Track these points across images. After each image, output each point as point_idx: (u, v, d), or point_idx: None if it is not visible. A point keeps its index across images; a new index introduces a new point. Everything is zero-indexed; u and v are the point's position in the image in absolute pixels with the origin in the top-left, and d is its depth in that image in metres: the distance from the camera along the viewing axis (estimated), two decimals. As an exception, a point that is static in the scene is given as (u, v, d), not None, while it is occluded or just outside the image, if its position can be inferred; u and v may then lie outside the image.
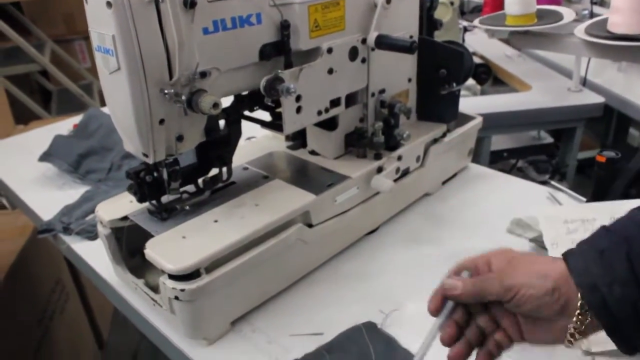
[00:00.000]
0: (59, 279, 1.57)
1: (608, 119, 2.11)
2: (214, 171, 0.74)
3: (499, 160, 1.83)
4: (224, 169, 0.74)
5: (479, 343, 0.57)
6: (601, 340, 0.63)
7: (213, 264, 0.63)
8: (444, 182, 1.01)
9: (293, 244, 0.71)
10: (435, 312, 0.57)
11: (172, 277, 0.62)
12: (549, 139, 1.90)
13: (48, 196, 1.03)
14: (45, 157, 1.10)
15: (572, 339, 0.51)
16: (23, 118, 2.14)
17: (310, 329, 0.69)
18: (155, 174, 0.68)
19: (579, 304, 0.49)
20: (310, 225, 0.73)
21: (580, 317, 0.49)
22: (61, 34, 3.01)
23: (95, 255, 0.84)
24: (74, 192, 1.02)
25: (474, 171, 1.06)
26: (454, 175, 1.04)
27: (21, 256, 1.33)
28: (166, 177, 0.68)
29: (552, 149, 1.89)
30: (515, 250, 0.56)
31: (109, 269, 0.78)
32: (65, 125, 1.28)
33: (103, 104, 1.13)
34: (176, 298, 0.62)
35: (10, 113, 2.14)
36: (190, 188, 0.73)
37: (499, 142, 1.81)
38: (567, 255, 0.51)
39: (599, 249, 0.49)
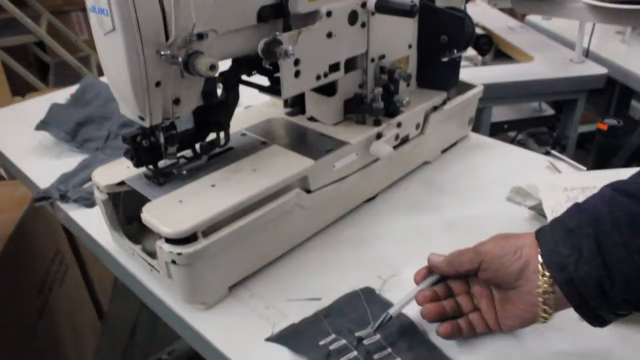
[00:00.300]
0: (58, 250, 1.57)
1: (610, 92, 2.09)
2: (212, 136, 0.73)
3: (500, 132, 1.82)
4: (222, 134, 0.73)
5: (453, 316, 0.61)
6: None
7: (210, 228, 0.63)
8: (443, 151, 1.00)
9: (291, 210, 0.71)
10: (420, 281, 0.64)
11: (169, 241, 0.61)
12: (550, 111, 1.89)
13: (45, 165, 1.02)
14: (42, 125, 1.09)
15: (545, 315, 0.54)
16: (20, 90, 2.12)
17: (308, 294, 0.69)
18: (152, 139, 0.67)
19: (540, 275, 0.52)
20: (308, 191, 0.73)
21: (548, 289, 0.52)
22: (58, 5, 2.97)
23: (93, 223, 0.84)
24: (71, 161, 1.02)
25: (474, 140, 1.06)
26: (454, 144, 1.03)
27: (19, 227, 1.33)
28: (163, 141, 0.67)
29: (553, 121, 1.88)
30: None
31: (106, 235, 0.78)
32: (63, 95, 1.27)
33: (101, 75, 1.11)
34: (173, 262, 0.62)
35: (7, 85, 2.12)
36: (188, 153, 0.72)
37: (500, 113, 1.80)
38: (538, 233, 0.54)
39: (568, 228, 0.51)
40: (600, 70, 1.65)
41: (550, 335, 0.62)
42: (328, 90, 0.80)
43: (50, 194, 0.91)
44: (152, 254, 0.69)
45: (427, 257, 0.64)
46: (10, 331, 1.27)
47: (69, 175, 0.96)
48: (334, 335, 0.62)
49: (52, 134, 1.08)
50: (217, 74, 0.62)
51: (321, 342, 0.61)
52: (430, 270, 0.64)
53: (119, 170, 0.72)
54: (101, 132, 1.07)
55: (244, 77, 0.75)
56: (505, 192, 0.87)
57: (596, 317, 0.51)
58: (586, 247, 0.49)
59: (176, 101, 0.64)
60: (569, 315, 0.53)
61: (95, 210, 0.86)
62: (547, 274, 0.52)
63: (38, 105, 1.21)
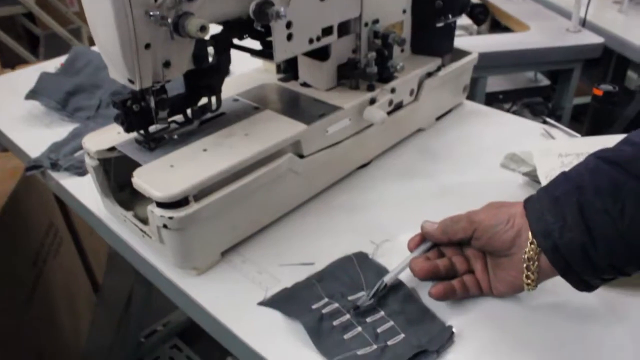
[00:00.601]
0: (51, 223, 1.57)
1: (606, 64, 2.08)
2: (203, 101, 0.72)
3: (495, 102, 1.81)
4: (213, 99, 0.72)
5: (446, 276, 0.62)
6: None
7: (202, 193, 0.62)
8: (438, 118, 0.99)
9: (284, 174, 0.70)
10: (413, 248, 0.65)
11: (160, 205, 0.61)
12: (546, 82, 1.88)
13: (36, 134, 1.01)
14: (31, 95, 1.07)
15: (529, 282, 0.55)
16: (10, 63, 2.09)
17: (301, 259, 0.69)
18: (142, 103, 0.66)
19: (529, 242, 0.53)
20: (301, 156, 0.72)
21: (533, 256, 0.54)
22: (47, -25, 2.92)
23: (84, 191, 0.83)
24: (62, 130, 1.00)
25: (469, 108, 1.05)
26: (449, 112, 1.02)
27: (12, 199, 1.32)
28: (153, 105, 0.66)
29: (548, 92, 1.88)
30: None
31: (98, 202, 0.77)
32: (52, 65, 1.25)
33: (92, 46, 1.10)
34: (165, 226, 0.61)
35: (-3, 56, 2.10)
36: (179, 118, 0.71)
37: (495, 84, 1.79)
38: (527, 201, 0.56)
39: (554, 196, 0.52)
40: (597, 39, 1.64)
41: (542, 299, 0.62)
42: (321, 55, 0.79)
43: (41, 163, 0.90)
44: (144, 221, 0.69)
45: (421, 225, 0.64)
46: (5, 302, 1.27)
47: (60, 144, 0.95)
48: (326, 299, 0.62)
49: (42, 103, 1.06)
50: (207, 36, 0.61)
51: (314, 306, 0.61)
52: (423, 237, 0.65)
53: (109, 136, 0.71)
54: (92, 101, 1.06)
55: (236, 41, 0.74)
56: (500, 159, 0.87)
57: (582, 282, 0.52)
58: (570, 215, 0.50)
59: (166, 64, 0.63)
60: (561, 280, 0.54)
61: (87, 179, 0.85)
62: (536, 241, 0.53)
63: (27, 75, 1.20)
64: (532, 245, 0.53)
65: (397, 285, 0.63)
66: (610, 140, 0.82)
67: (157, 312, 1.67)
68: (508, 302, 0.62)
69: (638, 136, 0.51)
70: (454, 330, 0.58)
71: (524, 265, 0.54)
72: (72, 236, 1.69)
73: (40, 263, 1.49)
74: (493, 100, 1.75)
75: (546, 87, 1.87)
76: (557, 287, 0.59)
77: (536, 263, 0.54)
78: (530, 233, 0.53)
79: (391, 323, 0.59)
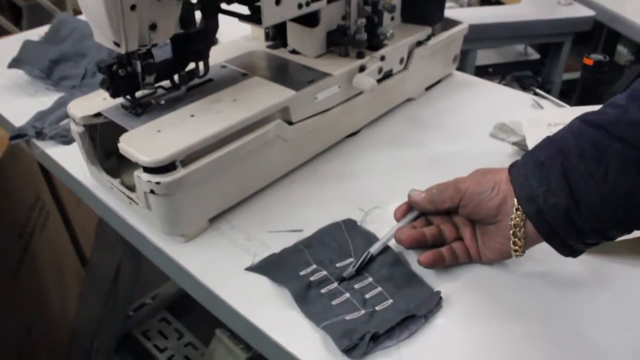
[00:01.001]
0: (37, 196, 1.55)
1: (596, 39, 2.08)
2: (191, 67, 0.71)
3: (484, 76, 1.80)
4: (201, 64, 0.71)
5: (434, 244, 0.62)
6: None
7: (189, 158, 0.61)
8: (427, 88, 0.99)
9: (272, 141, 0.69)
10: (400, 217, 0.65)
11: (147, 170, 0.60)
12: (535, 55, 1.88)
13: (20, 104, 0.99)
14: (15, 63, 1.05)
15: (517, 248, 0.56)
16: (-7, 34, 2.05)
17: (289, 226, 0.68)
18: (128, 68, 0.65)
19: (514, 209, 0.53)
20: (290, 123, 0.71)
21: (519, 223, 0.54)
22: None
23: (70, 160, 0.82)
24: (47, 99, 0.99)
25: (459, 78, 1.04)
26: (438, 82, 1.01)
27: (-3, 170, 1.31)
28: (140, 70, 0.65)
29: (537, 66, 1.87)
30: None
31: (84, 170, 0.76)
32: (36, 34, 1.22)
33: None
34: (152, 192, 0.61)
35: (-21, 28, 2.05)
36: (166, 84, 0.70)
37: (484, 57, 1.79)
38: (511, 167, 0.56)
39: (538, 161, 0.52)
40: (588, 12, 1.64)
41: (529, 266, 0.62)
42: (310, 21, 0.78)
43: (25, 131, 0.88)
44: (131, 188, 0.68)
45: (408, 194, 0.64)
46: (-9, 274, 1.26)
47: (45, 113, 0.93)
48: (314, 266, 0.62)
49: (26, 71, 1.04)
50: (194, -2, 0.60)
51: (301, 273, 0.61)
52: (410, 206, 0.64)
53: (95, 102, 0.70)
54: (78, 70, 1.04)
55: (224, 6, 0.73)
56: (489, 129, 0.87)
57: (566, 246, 0.53)
58: (554, 179, 0.50)
59: (152, 27, 0.62)
60: (548, 248, 0.54)
61: (73, 147, 0.84)
62: (521, 207, 0.53)
63: (10, 44, 1.17)
64: (518, 212, 0.53)
65: (386, 251, 0.63)
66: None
67: (145, 285, 1.67)
68: (496, 269, 0.62)
69: (622, 99, 0.50)
70: (442, 295, 0.58)
71: (511, 232, 0.54)
72: (59, 210, 1.67)
73: (26, 236, 1.48)
74: (482, 73, 1.74)
75: (536, 61, 1.86)
76: (544, 254, 0.59)
77: (522, 229, 0.54)
78: (515, 199, 0.53)
79: (379, 289, 0.59)
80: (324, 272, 0.61)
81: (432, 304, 0.57)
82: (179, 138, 0.61)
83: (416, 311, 0.56)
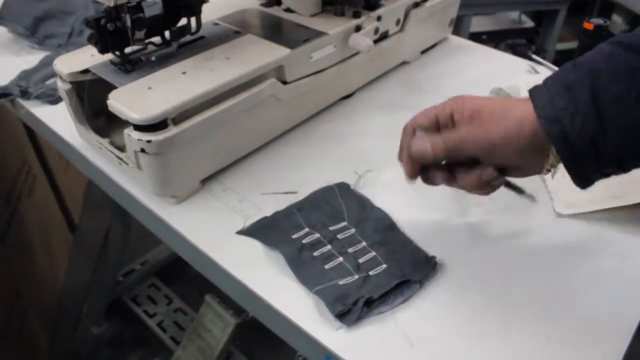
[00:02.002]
0: (24, 161, 1.52)
1: (590, 9, 2.06)
2: (182, 23, 0.69)
3: (478, 43, 1.79)
4: (193, 20, 0.69)
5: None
6: (572, 204, 0.64)
7: (181, 116, 0.60)
8: (423, 52, 0.97)
9: (266, 101, 0.68)
10: (414, 177, 0.56)
11: (137, 128, 0.58)
12: (530, 23, 1.86)
13: (3, 62, 0.96)
14: (-3, 20, 1.02)
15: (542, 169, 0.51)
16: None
17: (283, 188, 0.67)
18: (117, 23, 0.63)
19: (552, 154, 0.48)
20: (284, 82, 0.70)
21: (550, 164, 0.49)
22: None
23: (57, 119, 0.80)
24: (32, 58, 0.96)
25: (455, 42, 1.03)
26: (434, 46, 1.00)
27: (-18, 133, 1.28)
28: (129, 25, 0.63)
29: (532, 34, 1.85)
30: (471, 96, 0.53)
31: (72, 131, 0.74)
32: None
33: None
34: (142, 151, 0.59)
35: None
36: (157, 40, 0.68)
37: (479, 24, 1.76)
38: (533, 91, 0.50)
39: (565, 83, 0.48)
40: (583, -21, 1.61)
41: (526, 232, 0.62)
42: (305, -22, 0.75)
43: (10, 91, 0.86)
44: (121, 148, 0.66)
45: (411, 149, 0.54)
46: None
47: (30, 72, 0.90)
48: (307, 229, 0.61)
49: (9, 29, 1.01)
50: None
51: (294, 236, 0.60)
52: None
53: (83, 58, 0.67)
54: (63, 28, 1.01)
55: (216, -39, 0.70)
56: (486, 94, 0.85)
57: (583, 174, 0.50)
58: (582, 100, 0.46)
59: (142, -22, 0.60)
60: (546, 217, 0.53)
61: (60, 107, 0.81)
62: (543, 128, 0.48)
63: (-7, 1, 1.13)
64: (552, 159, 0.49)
65: (380, 216, 0.62)
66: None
67: (134, 251, 1.66)
68: (492, 236, 0.62)
69: None
70: (437, 261, 0.57)
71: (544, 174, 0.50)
72: (46, 174, 1.65)
73: (13, 201, 1.46)
74: (476, 40, 1.71)
75: (530, 29, 1.84)
76: (540, 225, 0.59)
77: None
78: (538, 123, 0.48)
79: (373, 253, 0.58)
80: (317, 235, 0.60)
81: (428, 269, 0.56)
82: (171, 95, 0.59)
83: (411, 276, 0.55)
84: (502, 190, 0.56)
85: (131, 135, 0.58)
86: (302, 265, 0.57)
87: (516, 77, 0.89)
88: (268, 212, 0.64)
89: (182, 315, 1.57)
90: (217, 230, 0.62)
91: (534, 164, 0.51)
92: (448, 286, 0.56)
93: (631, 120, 0.46)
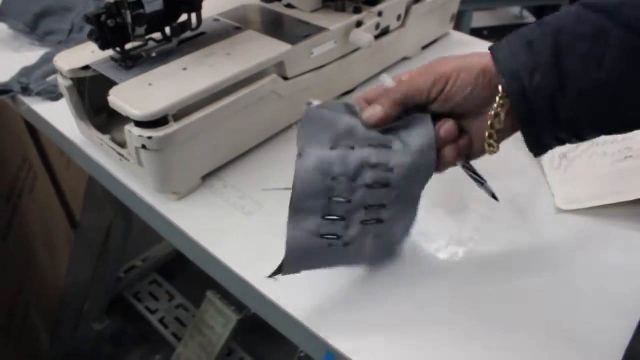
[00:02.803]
0: (25, 157, 1.53)
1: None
2: (183, 19, 0.69)
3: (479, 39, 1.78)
4: (193, 16, 0.68)
5: None
6: (573, 200, 0.64)
7: (182, 112, 0.59)
8: (424, 47, 0.97)
9: (267, 97, 0.68)
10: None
11: (138, 124, 0.58)
12: (531, 19, 1.85)
13: (4, 59, 0.96)
14: (-3, 17, 1.02)
15: (492, 142, 0.49)
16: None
17: (284, 184, 0.67)
18: (118, 19, 0.63)
19: (498, 96, 0.47)
20: (285, 78, 0.69)
21: (499, 112, 0.47)
22: None
23: (58, 116, 0.80)
24: (32, 55, 0.96)
25: (456, 38, 1.02)
26: (435, 41, 0.99)
27: (-18, 131, 1.28)
28: (130, 21, 0.62)
29: (533, 29, 1.85)
30: None
31: (73, 127, 0.74)
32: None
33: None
34: (143, 147, 0.59)
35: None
36: (157, 36, 0.68)
37: (480, 20, 1.76)
38: (494, 47, 0.48)
39: (527, 40, 0.47)
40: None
41: (526, 226, 0.62)
42: (306, -26, 0.75)
43: (10, 87, 0.86)
44: (122, 145, 0.66)
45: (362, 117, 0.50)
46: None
47: (31, 69, 0.90)
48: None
49: (9, 25, 1.01)
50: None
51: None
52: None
53: (83, 54, 0.67)
54: (64, 24, 1.01)
55: (216, -44, 0.70)
56: (487, 89, 0.85)
57: (538, 138, 0.49)
58: (544, 58, 0.45)
59: (142, -26, 0.59)
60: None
61: (61, 104, 0.81)
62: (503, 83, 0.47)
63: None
64: (500, 98, 0.47)
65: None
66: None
67: (135, 247, 1.66)
68: (493, 234, 0.61)
69: None
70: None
71: (489, 122, 0.48)
72: (48, 171, 1.65)
73: (15, 199, 1.46)
74: (478, 36, 1.71)
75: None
76: (545, 224, 0.58)
77: (501, 118, 0.48)
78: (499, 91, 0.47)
79: (379, 216, 0.51)
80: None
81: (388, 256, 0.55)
82: (172, 91, 0.59)
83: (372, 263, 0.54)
84: (502, 186, 0.56)
85: (132, 132, 0.58)
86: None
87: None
88: (269, 208, 0.64)
89: (183, 311, 1.57)
90: (218, 227, 0.62)
91: (482, 114, 0.49)
92: (449, 282, 0.56)
93: (593, 81, 0.44)
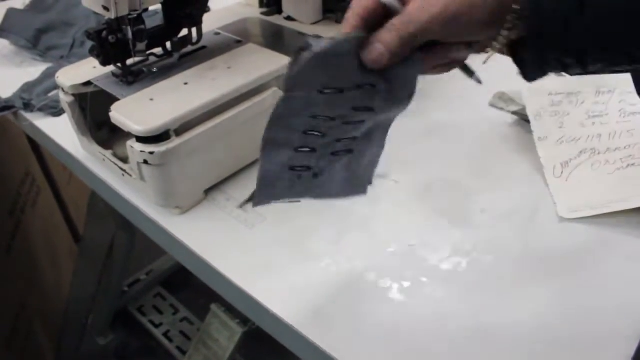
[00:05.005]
0: (28, 172, 1.53)
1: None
2: (184, 34, 0.69)
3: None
4: (194, 30, 0.69)
5: None
6: (576, 208, 0.64)
7: (183, 127, 0.60)
8: (425, 56, 0.97)
9: (268, 110, 0.67)
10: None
11: (140, 140, 0.58)
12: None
13: (6, 74, 0.97)
14: (-1, 33, 1.02)
15: (496, 43, 0.47)
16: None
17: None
18: (119, 35, 0.63)
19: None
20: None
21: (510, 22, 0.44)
22: None
23: (60, 131, 0.80)
24: (34, 70, 0.96)
25: (456, 47, 1.02)
26: (436, 50, 0.99)
27: (-15, 145, 1.28)
28: (131, 37, 0.63)
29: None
30: None
31: (75, 143, 0.74)
32: (20, 1, 1.18)
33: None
34: (145, 162, 0.59)
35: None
36: (158, 51, 0.68)
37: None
38: None
39: None
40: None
41: (529, 235, 0.62)
42: (306, -14, 0.76)
43: (13, 103, 0.86)
44: (124, 160, 0.66)
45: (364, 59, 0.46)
46: (-17, 251, 1.25)
47: (33, 84, 0.91)
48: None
49: (11, 41, 1.01)
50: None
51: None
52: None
53: (85, 70, 0.68)
54: (65, 39, 1.01)
55: (216, -30, 0.70)
56: (488, 98, 0.85)
57: (540, 57, 0.46)
58: None
59: (143, -10, 0.60)
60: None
61: (62, 119, 0.82)
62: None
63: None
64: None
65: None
66: (601, 80, 0.81)
67: (139, 260, 1.65)
68: (497, 243, 0.61)
69: None
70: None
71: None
72: (50, 185, 1.65)
73: (18, 213, 1.47)
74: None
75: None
76: (548, 233, 0.58)
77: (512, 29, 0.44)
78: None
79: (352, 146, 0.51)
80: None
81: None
82: (173, 106, 0.59)
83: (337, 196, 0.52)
84: (505, 195, 0.56)
85: (134, 147, 0.59)
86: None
87: (519, 81, 0.88)
88: (271, 220, 0.64)
89: (188, 324, 1.56)
90: (221, 240, 0.62)
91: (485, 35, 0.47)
92: (451, 291, 0.56)
93: (611, 4, 0.42)
